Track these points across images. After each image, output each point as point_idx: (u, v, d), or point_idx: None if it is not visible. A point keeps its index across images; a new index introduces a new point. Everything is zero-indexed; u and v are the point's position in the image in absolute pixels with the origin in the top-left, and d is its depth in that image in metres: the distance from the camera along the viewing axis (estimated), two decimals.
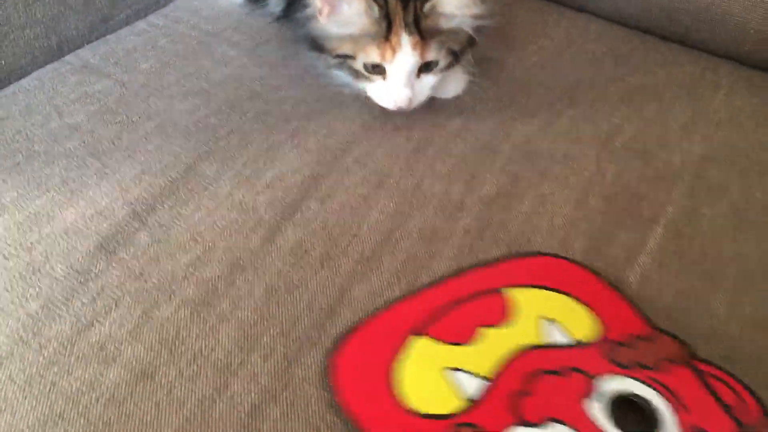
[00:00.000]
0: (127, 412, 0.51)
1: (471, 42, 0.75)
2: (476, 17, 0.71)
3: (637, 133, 0.79)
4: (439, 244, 0.64)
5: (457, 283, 0.59)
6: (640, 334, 0.56)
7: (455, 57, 0.74)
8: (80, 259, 0.59)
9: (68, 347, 0.54)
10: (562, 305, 0.57)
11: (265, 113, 0.76)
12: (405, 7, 0.69)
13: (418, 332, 0.55)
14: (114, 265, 0.59)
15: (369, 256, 0.63)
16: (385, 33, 0.69)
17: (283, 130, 0.74)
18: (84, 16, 0.85)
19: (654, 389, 0.51)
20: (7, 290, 0.57)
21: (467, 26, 0.70)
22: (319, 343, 0.56)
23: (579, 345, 0.54)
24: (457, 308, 0.57)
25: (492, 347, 0.54)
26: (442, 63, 0.72)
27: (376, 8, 0.68)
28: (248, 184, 0.68)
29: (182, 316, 0.57)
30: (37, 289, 0.57)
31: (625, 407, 0.51)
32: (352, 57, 0.72)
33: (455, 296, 0.58)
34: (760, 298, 0.62)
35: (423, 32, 0.69)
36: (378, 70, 0.71)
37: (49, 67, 0.81)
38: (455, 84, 0.80)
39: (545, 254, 0.63)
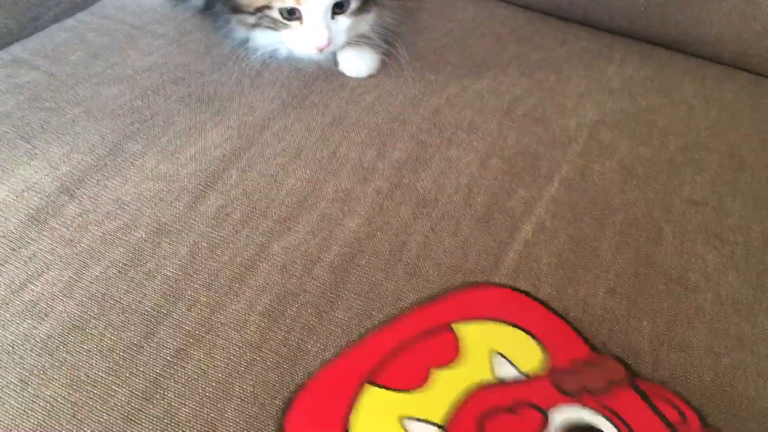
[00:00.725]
0: (60, 360, 0.55)
1: None
2: None
3: (537, 103, 0.86)
4: (352, 203, 0.70)
5: (407, 321, 0.59)
6: (584, 358, 0.56)
7: (365, 5, 0.77)
8: (12, 229, 0.63)
9: (3, 306, 0.58)
10: (510, 337, 0.57)
11: (188, 96, 0.80)
12: None
13: (371, 380, 0.54)
14: (45, 233, 0.64)
15: (286, 216, 0.68)
16: None
17: (205, 111, 0.79)
18: (13, 14, 0.89)
19: (604, 416, 0.52)
20: None
21: None
22: (240, 293, 0.61)
23: (529, 378, 0.54)
24: (408, 350, 0.56)
25: (445, 390, 0.53)
26: (354, 3, 0.77)
27: None
28: (172, 158, 0.72)
29: (111, 274, 0.61)
30: None
31: None
32: (268, 7, 0.76)
33: (406, 336, 0.57)
34: (643, 238, 0.70)
35: None
36: (294, 15, 0.76)
37: None
38: (368, 63, 0.86)
39: (490, 284, 0.64)
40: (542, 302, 0.62)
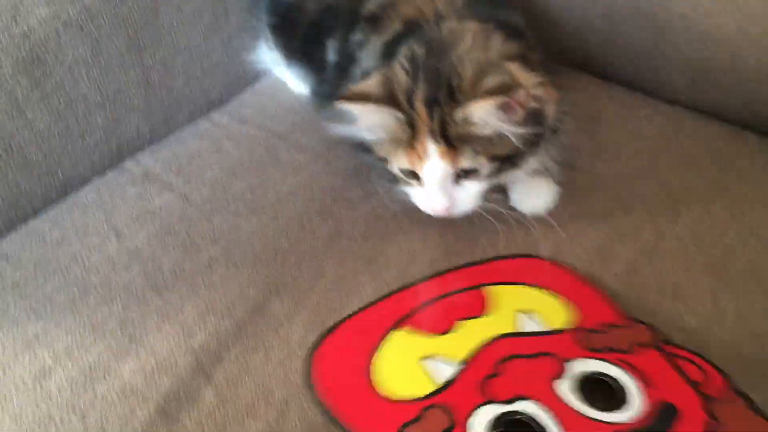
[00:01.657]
0: None
1: (534, 143, 0.66)
2: (520, 126, 0.62)
3: (754, 258, 0.70)
4: None
5: (437, 282, 0.63)
6: (614, 322, 0.59)
7: (510, 162, 0.65)
8: (138, 426, 0.52)
9: None
10: (539, 299, 0.60)
11: (337, 234, 0.69)
12: (430, 113, 0.61)
13: (398, 326, 0.58)
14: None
15: None
16: (410, 140, 0.62)
17: (358, 256, 0.67)
18: (146, 117, 0.80)
19: (622, 369, 0.53)
20: None
21: (509, 135, 0.62)
22: None
23: (553, 333, 0.57)
24: (436, 303, 0.61)
25: (468, 336, 0.56)
26: (486, 169, 0.64)
27: (398, 113, 0.62)
28: (322, 325, 0.60)
29: None
30: None
31: (595, 386, 0.52)
32: (387, 161, 0.66)
33: (435, 293, 0.62)
34: None
35: (452, 140, 0.62)
36: (413, 175, 0.65)
37: (108, 175, 0.76)
38: (545, 198, 0.73)
39: (525, 256, 0.66)
40: (577, 272, 0.64)
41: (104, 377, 0.56)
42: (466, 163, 0.63)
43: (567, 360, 0.53)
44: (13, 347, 0.59)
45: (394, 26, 0.73)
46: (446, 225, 0.70)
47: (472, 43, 0.65)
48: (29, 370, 0.57)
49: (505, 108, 0.59)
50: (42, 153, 0.72)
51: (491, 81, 0.60)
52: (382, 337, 0.57)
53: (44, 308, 0.61)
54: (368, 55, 0.74)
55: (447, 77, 0.62)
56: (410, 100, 0.62)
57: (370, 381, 0.54)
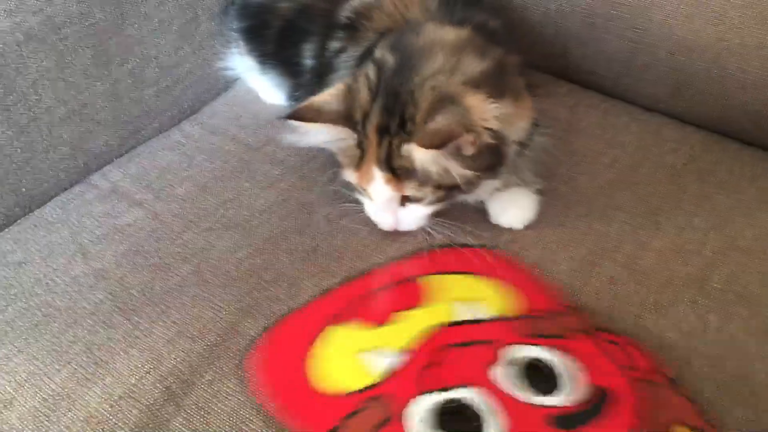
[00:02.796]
0: None
1: (491, 170, 0.64)
2: (472, 161, 0.61)
3: (735, 271, 0.69)
4: None
5: (373, 276, 0.63)
6: (552, 309, 0.60)
7: (459, 190, 0.63)
8: None
9: None
10: (477, 287, 0.61)
11: (313, 251, 0.67)
12: (380, 141, 0.61)
13: (335, 322, 0.57)
14: None
15: None
16: (359, 161, 0.63)
17: (334, 273, 0.65)
18: (114, 130, 0.78)
19: (555, 353, 0.54)
20: None
21: (449, 178, 0.61)
22: None
23: (489, 320, 0.57)
24: (373, 297, 0.60)
25: (405, 327, 0.56)
26: (431, 198, 0.64)
27: (352, 134, 0.62)
28: None
29: None
30: None
31: (533, 372, 0.52)
32: (344, 170, 0.66)
33: (372, 287, 0.62)
34: None
35: (396, 171, 0.61)
36: (362, 189, 0.65)
37: (75, 190, 0.74)
38: (524, 211, 0.71)
39: (467, 245, 0.65)
40: (516, 260, 0.64)
41: (69, 407, 0.54)
42: (409, 192, 0.63)
43: (502, 347, 0.54)
44: None
45: (370, 36, 0.71)
46: (422, 240, 0.68)
47: (441, 63, 0.63)
48: None
49: (451, 150, 0.58)
50: (3, 169, 0.69)
51: (442, 120, 0.58)
52: (318, 333, 0.56)
53: (5, 334, 0.59)
54: (345, 66, 0.72)
55: (403, 105, 0.61)
56: (364, 123, 0.62)
57: (307, 378, 0.54)
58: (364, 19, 0.72)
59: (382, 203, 0.64)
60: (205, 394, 0.55)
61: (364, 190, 0.65)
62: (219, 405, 0.54)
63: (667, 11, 0.82)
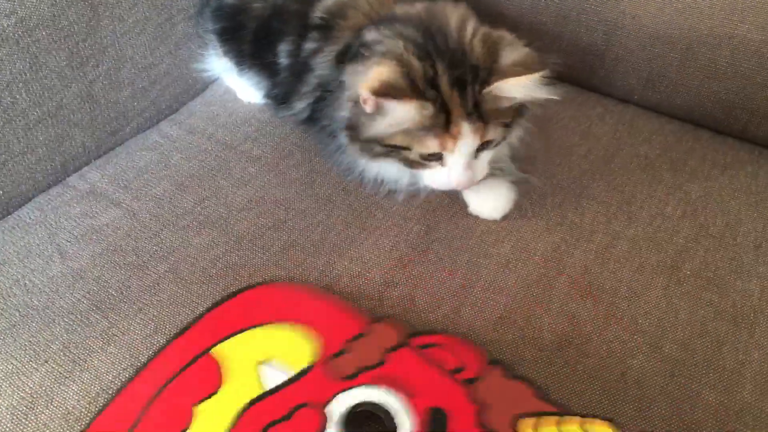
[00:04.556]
0: None
1: (521, 111, 0.69)
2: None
3: (705, 257, 0.70)
4: None
5: (162, 360, 0.54)
6: (359, 332, 0.55)
7: (507, 127, 0.67)
8: None
9: None
10: (274, 338, 0.55)
11: (290, 246, 0.68)
12: (462, 94, 0.62)
13: None
14: None
15: None
16: (444, 124, 0.63)
17: (311, 267, 0.65)
18: (91, 131, 0.78)
19: (381, 388, 0.50)
20: None
21: (527, 101, 0.66)
22: None
23: (301, 374, 0.52)
24: (166, 393, 0.51)
25: (213, 423, 0.49)
26: (498, 138, 0.67)
27: (429, 105, 0.61)
28: None
29: None
30: None
31: (367, 418, 0.50)
32: (406, 148, 0.64)
33: (162, 377, 0.52)
34: None
35: (484, 116, 0.63)
36: (435, 157, 0.65)
37: (52, 191, 0.74)
38: (502, 202, 0.72)
39: (244, 289, 0.60)
40: (305, 285, 0.61)
41: (46, 404, 0.54)
42: (491, 135, 0.65)
43: (325, 403, 0.50)
44: None
45: (345, 35, 0.72)
46: (397, 235, 0.69)
47: (465, 22, 0.66)
48: None
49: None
50: None
51: (514, 55, 0.63)
52: None
53: None
54: (323, 64, 0.73)
55: (462, 57, 0.63)
56: (435, 86, 0.62)
57: None
58: (339, 18, 0.73)
59: (466, 159, 0.65)
60: None
61: (436, 156, 0.65)
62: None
63: (637, 3, 0.83)
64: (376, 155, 0.68)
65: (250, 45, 0.80)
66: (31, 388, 0.55)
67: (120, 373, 0.56)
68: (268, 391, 0.51)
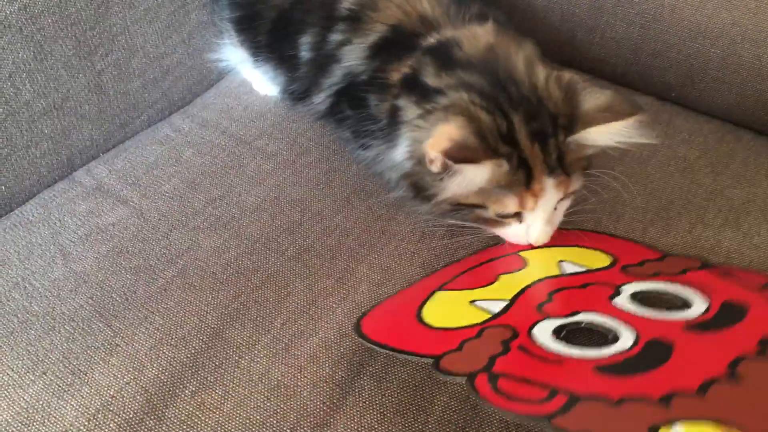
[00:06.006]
0: None
1: None
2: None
3: (750, 267, 0.65)
4: None
5: (475, 257, 0.62)
6: (653, 258, 0.60)
7: (586, 170, 0.64)
8: None
9: None
10: (577, 252, 0.61)
11: (306, 250, 0.64)
12: (543, 147, 0.57)
13: (441, 289, 0.57)
14: None
15: None
16: (525, 182, 0.58)
17: (328, 274, 0.62)
18: (99, 124, 0.74)
19: (680, 284, 0.53)
20: None
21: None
22: None
23: (599, 269, 0.57)
24: (477, 268, 0.60)
25: (513, 282, 0.57)
26: (579, 186, 0.62)
27: (504, 162, 0.56)
28: (287, 355, 0.56)
29: None
30: None
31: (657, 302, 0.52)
32: (480, 206, 0.60)
33: (474, 263, 0.61)
34: None
35: (567, 169, 0.59)
36: (514, 215, 0.60)
37: (57, 187, 0.70)
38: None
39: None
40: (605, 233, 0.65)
41: (43, 421, 0.51)
42: (574, 186, 0.61)
43: (621, 285, 0.54)
44: None
45: (378, 28, 0.68)
46: (420, 240, 0.65)
47: (525, 61, 0.61)
48: None
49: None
50: None
51: (597, 100, 0.58)
52: (426, 297, 0.56)
53: None
54: (352, 56, 0.69)
55: (539, 106, 0.58)
56: (512, 140, 0.57)
57: (422, 322, 0.53)
58: (369, 10, 0.69)
59: (547, 214, 0.60)
60: (187, 407, 0.52)
61: (522, 213, 0.60)
62: (202, 418, 0.51)
63: None
64: (443, 213, 0.63)
65: (268, 36, 0.76)
66: (27, 402, 0.52)
67: (122, 388, 0.52)
68: (565, 273, 0.57)
